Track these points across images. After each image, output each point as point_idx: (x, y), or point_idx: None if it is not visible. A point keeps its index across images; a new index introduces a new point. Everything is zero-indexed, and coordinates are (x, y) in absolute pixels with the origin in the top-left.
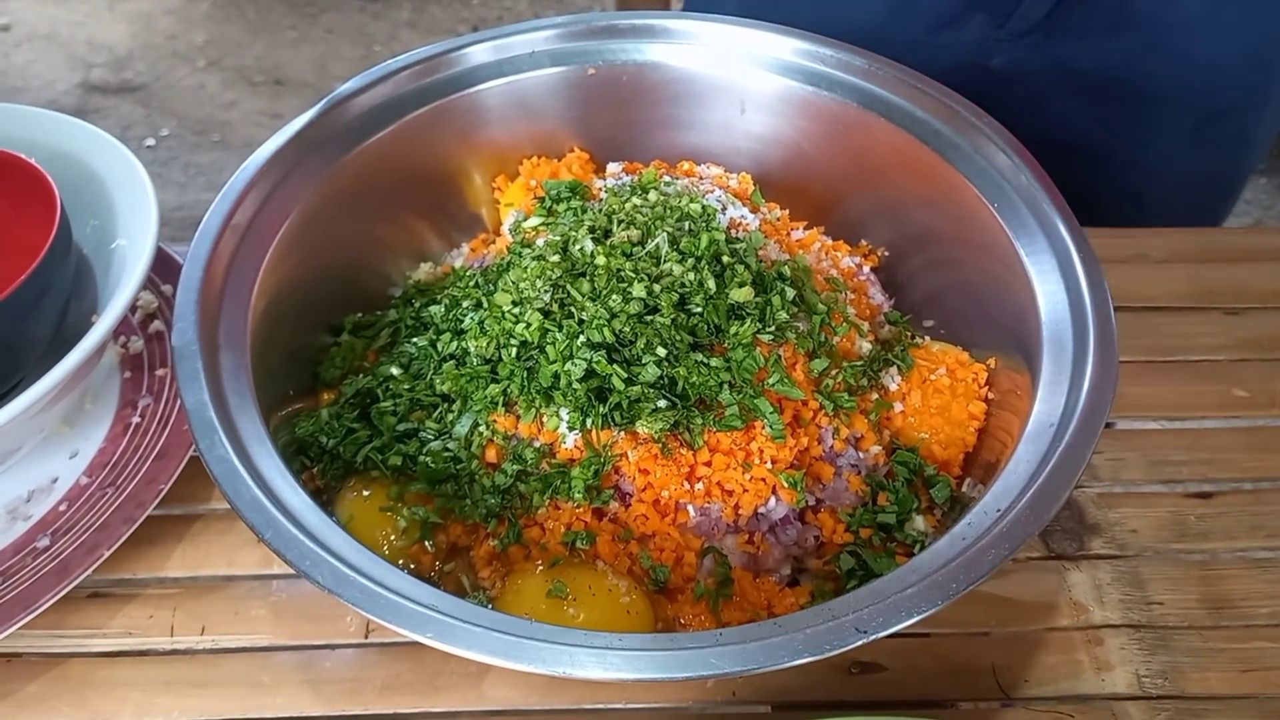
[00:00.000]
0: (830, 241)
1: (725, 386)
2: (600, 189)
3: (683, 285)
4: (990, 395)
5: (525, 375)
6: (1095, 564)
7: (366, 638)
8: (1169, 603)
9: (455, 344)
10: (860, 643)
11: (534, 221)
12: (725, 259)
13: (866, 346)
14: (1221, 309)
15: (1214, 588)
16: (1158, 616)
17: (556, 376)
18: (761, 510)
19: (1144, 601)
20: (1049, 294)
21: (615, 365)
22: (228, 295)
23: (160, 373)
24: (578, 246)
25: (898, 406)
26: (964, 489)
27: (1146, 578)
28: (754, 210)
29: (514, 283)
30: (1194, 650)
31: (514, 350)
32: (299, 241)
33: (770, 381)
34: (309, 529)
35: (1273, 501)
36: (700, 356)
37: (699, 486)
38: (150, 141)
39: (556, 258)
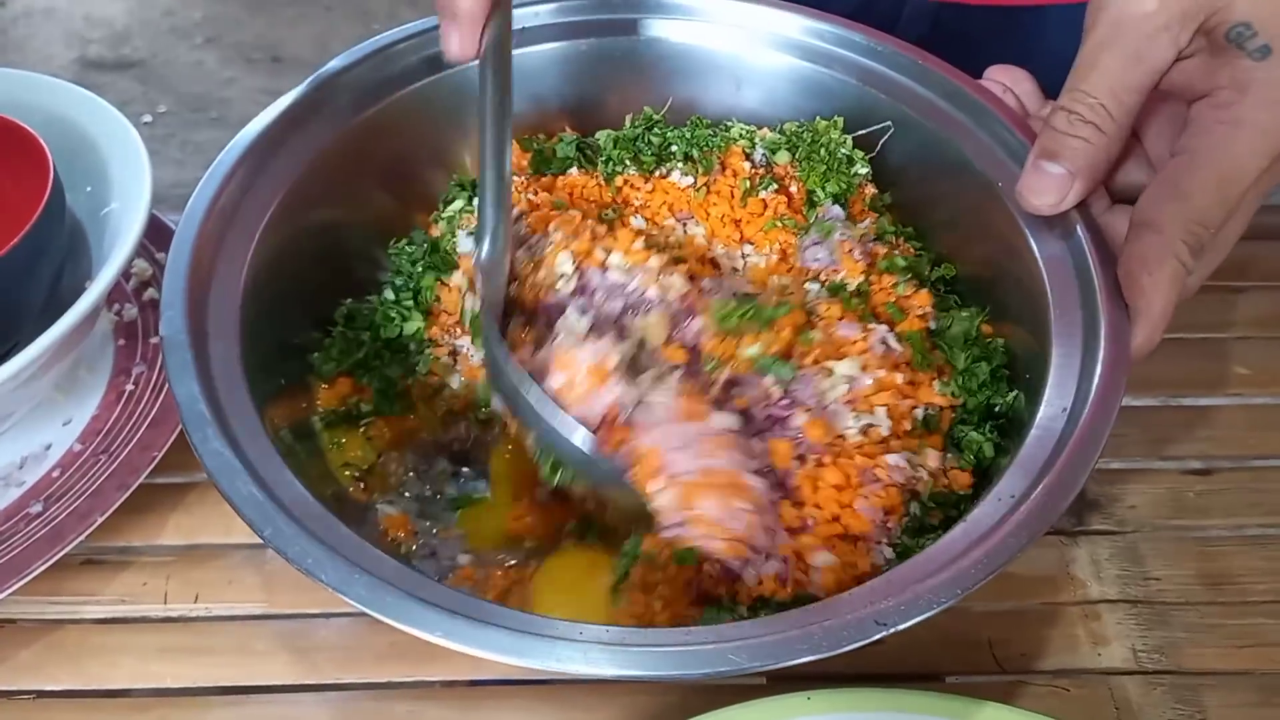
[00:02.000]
0: None
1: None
2: None
3: None
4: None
5: None
6: (1094, 539)
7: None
8: (1167, 579)
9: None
10: (880, 635)
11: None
12: None
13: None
14: (1224, 287)
15: (1212, 564)
16: (1155, 592)
17: None
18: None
19: (1142, 577)
20: (1057, 275)
21: None
22: (216, 281)
23: (154, 340)
24: None
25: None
26: None
27: (1145, 554)
28: None
29: None
30: (1191, 626)
31: None
32: (287, 224)
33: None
34: (308, 525)
35: (1272, 479)
36: None
37: None
38: (147, 118)
39: None
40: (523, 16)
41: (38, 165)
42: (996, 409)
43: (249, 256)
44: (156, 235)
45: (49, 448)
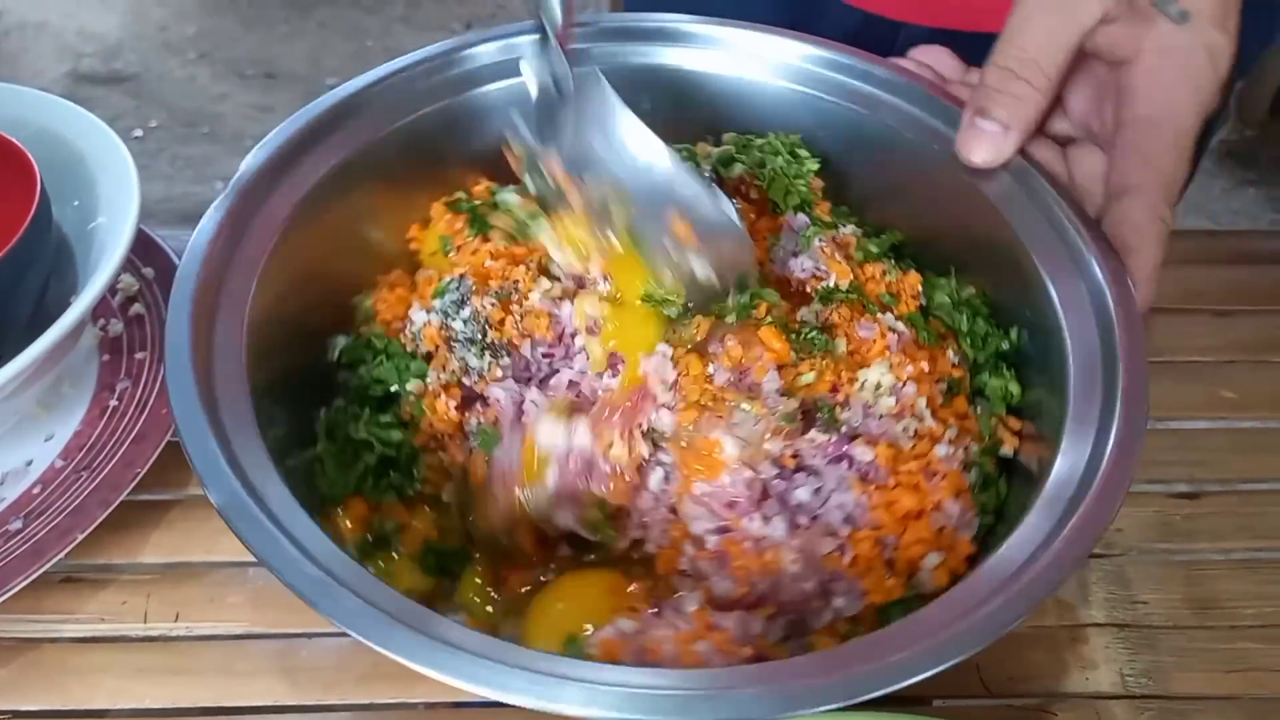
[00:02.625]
0: None
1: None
2: None
3: None
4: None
5: None
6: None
7: None
8: (1154, 602)
9: None
10: (903, 684)
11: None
12: None
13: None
14: (1210, 311)
15: (1200, 588)
16: (1143, 616)
17: None
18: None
19: (1129, 601)
20: (1073, 310)
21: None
22: (219, 326)
23: (139, 356)
24: None
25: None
26: None
27: (1132, 577)
28: None
29: None
30: (1179, 650)
31: None
32: (287, 262)
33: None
34: (341, 578)
35: (1259, 503)
36: None
37: None
38: (138, 133)
39: None
40: (522, 45)
41: (25, 178)
42: (1004, 350)
43: (249, 300)
44: (144, 250)
45: (30, 463)
